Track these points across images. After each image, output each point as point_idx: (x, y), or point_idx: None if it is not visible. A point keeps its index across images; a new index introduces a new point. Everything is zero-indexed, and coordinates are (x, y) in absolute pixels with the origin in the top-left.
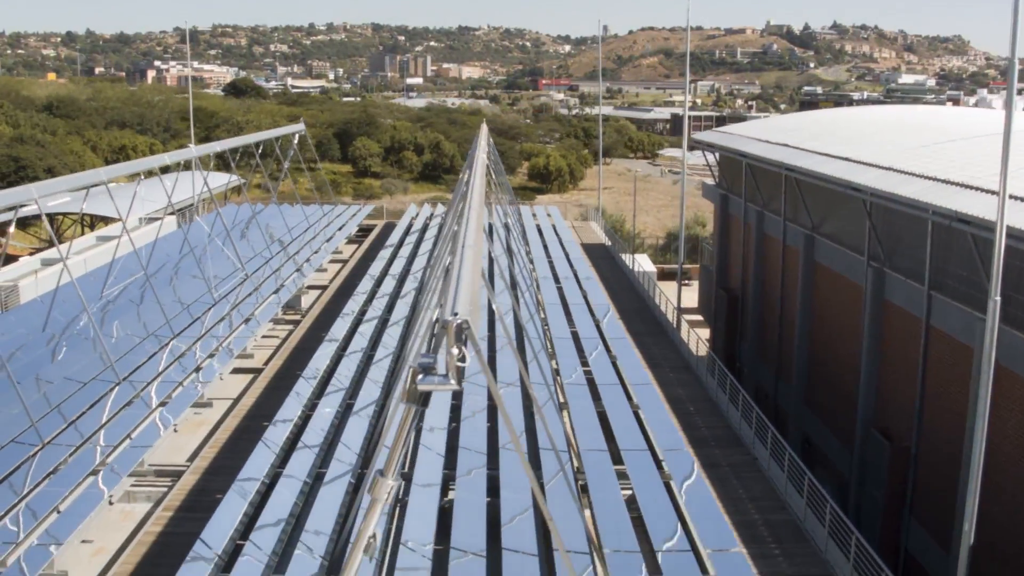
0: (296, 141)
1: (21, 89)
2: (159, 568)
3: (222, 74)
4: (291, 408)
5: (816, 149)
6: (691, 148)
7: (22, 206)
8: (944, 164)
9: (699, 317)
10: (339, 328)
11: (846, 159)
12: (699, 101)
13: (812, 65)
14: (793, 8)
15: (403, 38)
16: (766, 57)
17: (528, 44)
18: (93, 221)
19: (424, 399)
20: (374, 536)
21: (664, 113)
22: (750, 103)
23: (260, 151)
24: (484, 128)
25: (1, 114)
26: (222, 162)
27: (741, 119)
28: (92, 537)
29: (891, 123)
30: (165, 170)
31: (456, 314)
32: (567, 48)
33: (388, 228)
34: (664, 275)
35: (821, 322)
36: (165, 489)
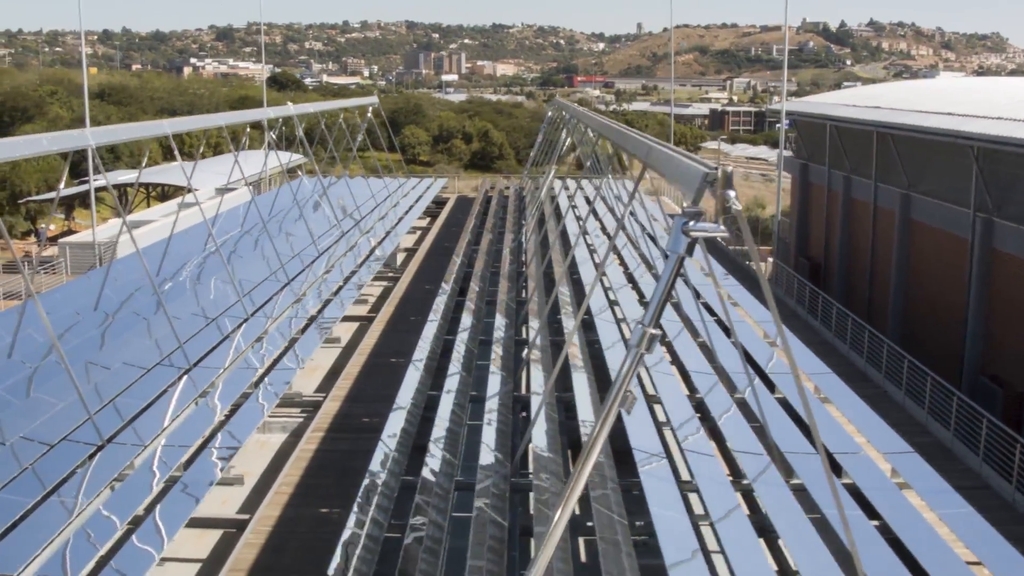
0: (370, 113)
1: (74, 78)
2: (324, 478)
3: (258, 71)
4: (426, 341)
5: (910, 109)
6: (733, 141)
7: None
8: None
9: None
10: (448, 278)
11: (949, 113)
12: (735, 98)
13: (849, 63)
14: (829, 5)
15: (437, 35)
16: (802, 54)
17: (562, 42)
18: (164, 193)
19: (690, 248)
20: (631, 391)
21: (703, 109)
22: (789, 99)
23: (335, 122)
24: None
25: (57, 100)
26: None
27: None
28: (234, 463)
29: (974, 88)
30: (272, 125)
31: (715, 167)
32: (601, 46)
33: (464, 201)
34: None
35: (918, 279)
36: (301, 419)
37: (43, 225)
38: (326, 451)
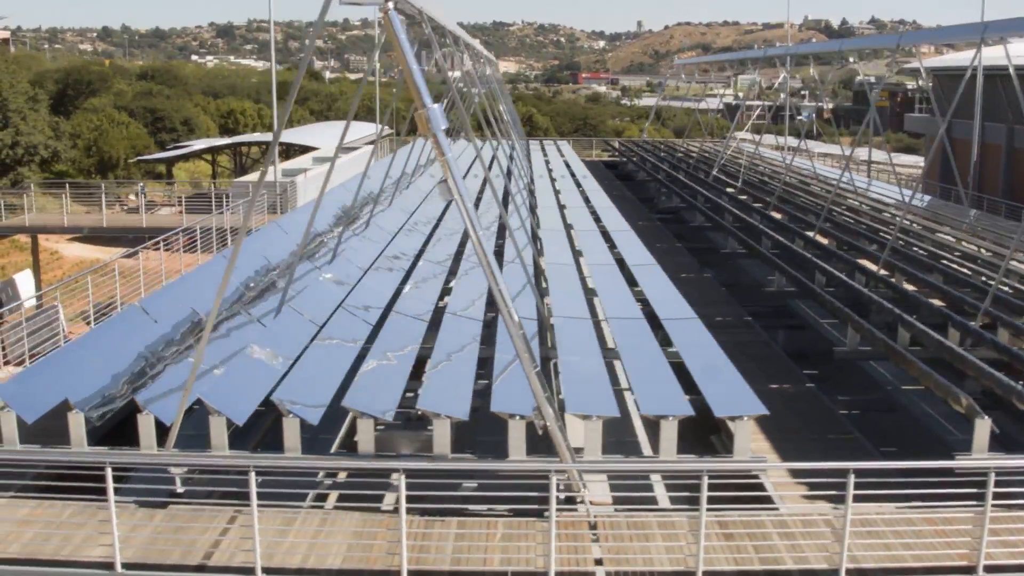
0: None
1: (116, 61)
2: None
3: (258, 68)
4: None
5: None
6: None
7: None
8: None
9: None
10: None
11: None
12: (740, 94)
13: (851, 60)
14: (831, 2)
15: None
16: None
17: (563, 39)
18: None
19: None
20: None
21: (715, 103)
22: (803, 92)
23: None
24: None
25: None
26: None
27: (797, 109)
28: None
29: None
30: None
31: None
32: (601, 44)
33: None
34: None
35: None
36: None
37: (142, 184)
38: None
